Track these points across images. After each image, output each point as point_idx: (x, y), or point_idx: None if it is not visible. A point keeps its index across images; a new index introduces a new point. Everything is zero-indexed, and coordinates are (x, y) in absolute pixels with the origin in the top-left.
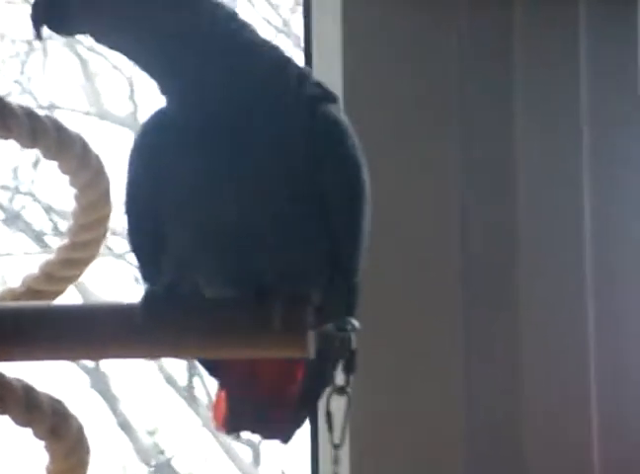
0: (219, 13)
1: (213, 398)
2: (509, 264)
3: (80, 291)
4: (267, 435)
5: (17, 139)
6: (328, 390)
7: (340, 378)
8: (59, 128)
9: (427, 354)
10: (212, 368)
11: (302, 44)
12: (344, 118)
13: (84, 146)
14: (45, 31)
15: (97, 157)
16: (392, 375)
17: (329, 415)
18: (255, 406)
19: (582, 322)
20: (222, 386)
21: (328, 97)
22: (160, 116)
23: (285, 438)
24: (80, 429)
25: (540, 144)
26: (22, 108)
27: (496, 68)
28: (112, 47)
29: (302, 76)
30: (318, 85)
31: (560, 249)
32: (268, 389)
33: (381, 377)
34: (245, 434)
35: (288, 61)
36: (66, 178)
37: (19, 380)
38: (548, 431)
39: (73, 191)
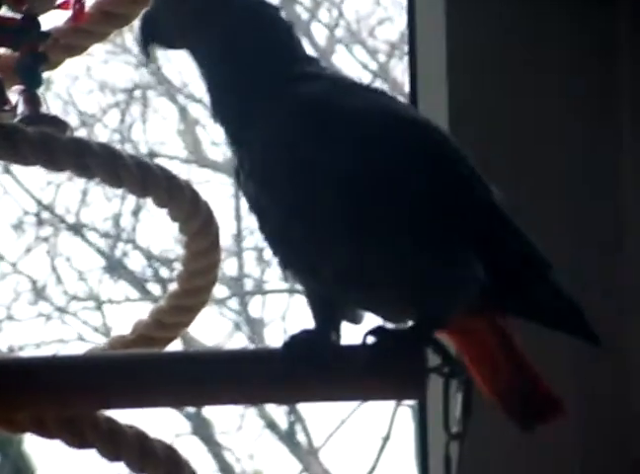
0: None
1: None
2: None
3: (184, 339)
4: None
5: (128, 188)
6: (445, 436)
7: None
8: (169, 177)
9: None
10: None
11: (401, 89)
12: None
13: (193, 194)
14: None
15: (206, 204)
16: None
17: (447, 460)
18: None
19: None
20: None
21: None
22: None
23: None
24: None
25: None
26: (132, 157)
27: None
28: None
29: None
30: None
31: None
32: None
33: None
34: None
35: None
36: (176, 225)
37: (131, 427)
38: None
39: (183, 238)
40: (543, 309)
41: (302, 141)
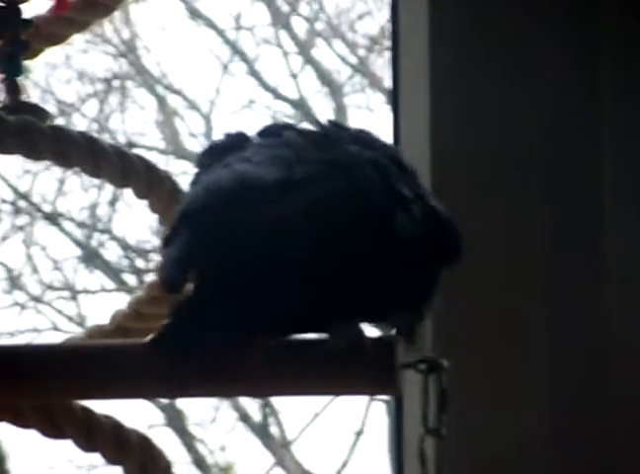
0: None
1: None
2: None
3: None
4: None
5: (107, 178)
6: (421, 432)
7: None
8: (149, 167)
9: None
10: None
11: (380, 83)
12: None
13: (173, 185)
14: None
15: None
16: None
17: (423, 456)
18: None
19: None
20: None
21: None
22: None
23: None
24: (169, 465)
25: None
26: (112, 147)
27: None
28: None
29: None
30: None
31: None
32: None
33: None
34: None
35: None
36: (156, 216)
37: (107, 417)
38: None
39: (162, 229)
40: None
41: None
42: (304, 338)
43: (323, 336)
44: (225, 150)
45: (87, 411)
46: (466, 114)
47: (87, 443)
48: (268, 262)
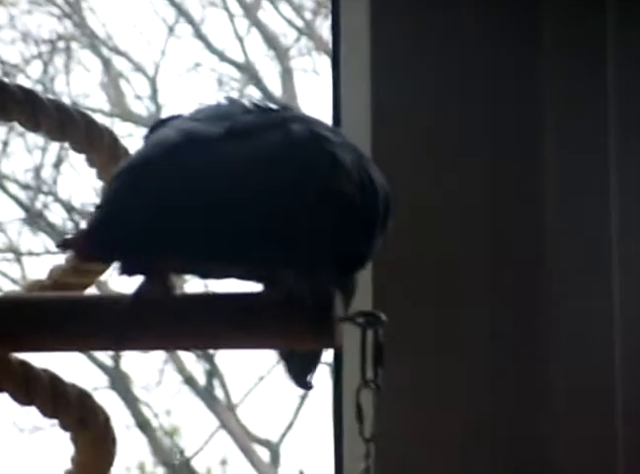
0: None
1: None
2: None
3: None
4: None
5: (46, 132)
6: (358, 384)
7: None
8: (88, 121)
9: (454, 356)
10: None
11: (326, 47)
12: None
13: (113, 140)
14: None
15: (126, 150)
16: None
17: (359, 408)
18: None
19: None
20: None
21: None
22: None
23: None
24: (107, 419)
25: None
26: (51, 101)
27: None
28: None
29: None
30: None
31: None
32: None
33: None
34: None
35: None
36: (94, 171)
37: (45, 371)
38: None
39: (100, 184)
40: None
41: None
42: (242, 290)
43: (260, 288)
44: (169, 120)
45: (24, 364)
46: (408, 75)
47: (25, 397)
48: (201, 202)
